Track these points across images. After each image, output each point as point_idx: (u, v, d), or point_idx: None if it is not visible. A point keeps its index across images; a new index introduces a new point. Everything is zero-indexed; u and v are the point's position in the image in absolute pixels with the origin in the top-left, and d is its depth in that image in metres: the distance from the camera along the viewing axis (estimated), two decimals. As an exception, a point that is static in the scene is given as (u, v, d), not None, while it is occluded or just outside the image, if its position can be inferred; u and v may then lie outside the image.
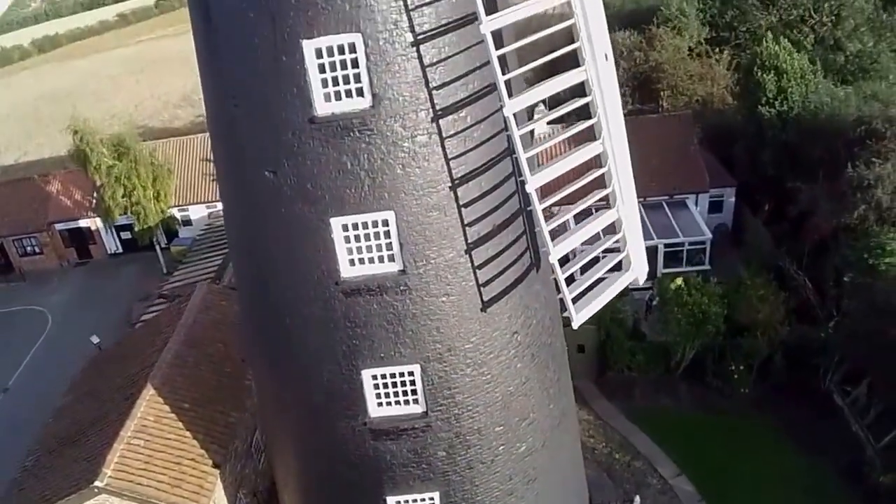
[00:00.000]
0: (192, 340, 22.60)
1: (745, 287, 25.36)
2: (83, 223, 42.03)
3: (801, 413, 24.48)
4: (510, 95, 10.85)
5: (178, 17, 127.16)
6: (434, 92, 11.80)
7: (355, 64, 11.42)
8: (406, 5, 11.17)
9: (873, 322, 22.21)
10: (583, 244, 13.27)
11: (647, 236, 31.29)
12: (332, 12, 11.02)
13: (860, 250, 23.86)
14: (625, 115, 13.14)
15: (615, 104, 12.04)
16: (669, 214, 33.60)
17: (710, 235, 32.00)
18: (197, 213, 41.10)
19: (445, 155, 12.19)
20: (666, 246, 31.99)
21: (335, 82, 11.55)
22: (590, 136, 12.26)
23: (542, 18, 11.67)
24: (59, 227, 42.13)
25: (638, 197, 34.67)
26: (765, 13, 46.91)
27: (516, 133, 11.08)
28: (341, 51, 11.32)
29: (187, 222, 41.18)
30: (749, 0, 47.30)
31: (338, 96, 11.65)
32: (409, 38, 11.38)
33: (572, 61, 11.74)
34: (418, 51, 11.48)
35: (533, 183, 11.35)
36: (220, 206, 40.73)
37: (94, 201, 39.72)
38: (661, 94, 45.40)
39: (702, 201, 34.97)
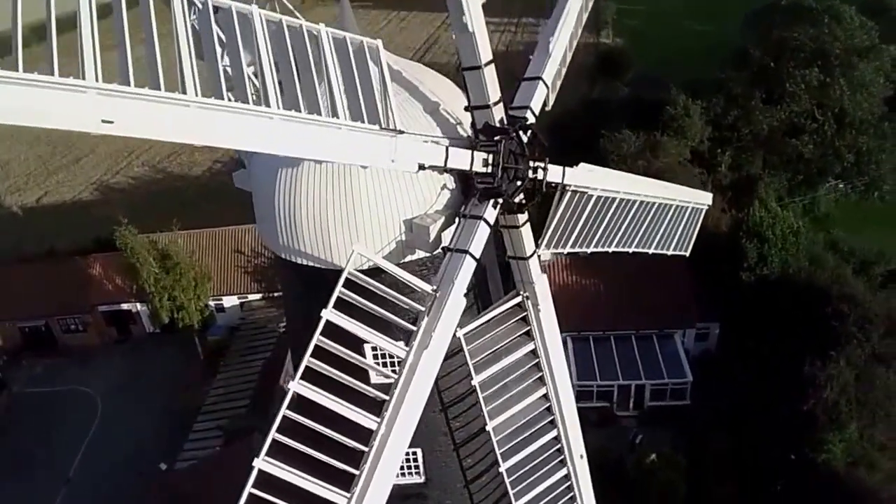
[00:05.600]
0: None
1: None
2: (125, 305, 49.19)
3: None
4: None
5: None
6: (467, 471, 19.09)
7: (416, 460, 18.70)
8: (454, 440, 18.39)
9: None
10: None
11: (636, 376, 39.10)
12: (402, 436, 18.21)
13: (802, 443, 31.21)
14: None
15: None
16: (658, 349, 40.71)
17: (690, 378, 39.11)
18: (230, 302, 48.52)
19: (473, 506, 19.52)
20: (652, 385, 39.25)
21: (400, 468, 18.80)
22: None
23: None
24: (101, 308, 49.30)
25: (631, 329, 42.23)
26: (768, 116, 52.96)
27: None
28: (407, 455, 18.59)
29: (221, 310, 48.56)
30: (752, 101, 53.35)
31: (402, 475, 18.94)
32: (451, 446, 18.63)
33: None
34: (457, 453, 18.74)
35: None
36: (251, 297, 48.28)
37: (135, 288, 46.68)
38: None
39: (689, 333, 42.08)
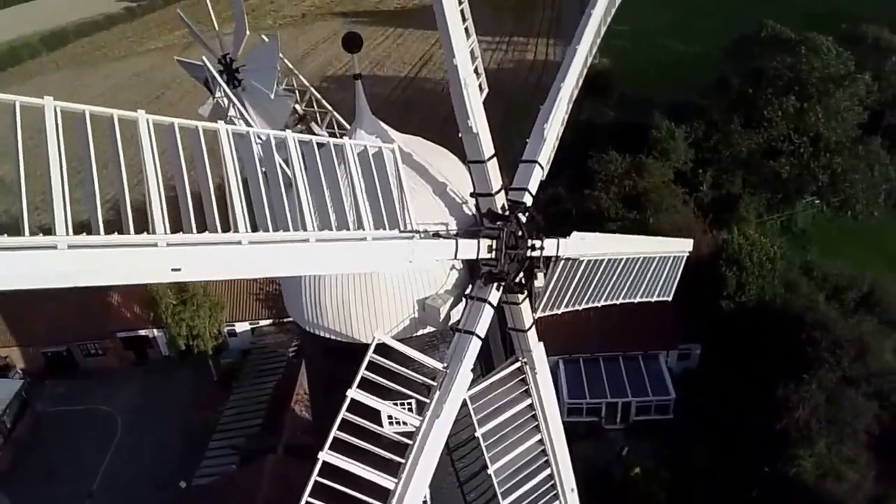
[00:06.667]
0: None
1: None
2: (142, 331, 50.32)
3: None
4: None
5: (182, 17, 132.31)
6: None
7: (424, 497, 19.96)
8: (458, 479, 19.67)
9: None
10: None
11: (623, 394, 40.40)
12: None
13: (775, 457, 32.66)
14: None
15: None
16: (643, 369, 42.10)
17: (673, 395, 40.52)
18: (241, 327, 49.74)
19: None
20: (638, 402, 40.66)
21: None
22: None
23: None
24: (120, 334, 50.46)
25: (618, 351, 43.65)
26: (747, 139, 54.39)
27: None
28: (416, 494, 19.81)
29: (233, 335, 49.82)
30: (731, 125, 54.78)
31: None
32: (456, 484, 19.90)
33: None
34: (461, 489, 20.02)
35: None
36: (261, 322, 49.42)
37: (153, 316, 47.77)
38: (648, 212, 52.73)
39: (672, 354, 43.48)
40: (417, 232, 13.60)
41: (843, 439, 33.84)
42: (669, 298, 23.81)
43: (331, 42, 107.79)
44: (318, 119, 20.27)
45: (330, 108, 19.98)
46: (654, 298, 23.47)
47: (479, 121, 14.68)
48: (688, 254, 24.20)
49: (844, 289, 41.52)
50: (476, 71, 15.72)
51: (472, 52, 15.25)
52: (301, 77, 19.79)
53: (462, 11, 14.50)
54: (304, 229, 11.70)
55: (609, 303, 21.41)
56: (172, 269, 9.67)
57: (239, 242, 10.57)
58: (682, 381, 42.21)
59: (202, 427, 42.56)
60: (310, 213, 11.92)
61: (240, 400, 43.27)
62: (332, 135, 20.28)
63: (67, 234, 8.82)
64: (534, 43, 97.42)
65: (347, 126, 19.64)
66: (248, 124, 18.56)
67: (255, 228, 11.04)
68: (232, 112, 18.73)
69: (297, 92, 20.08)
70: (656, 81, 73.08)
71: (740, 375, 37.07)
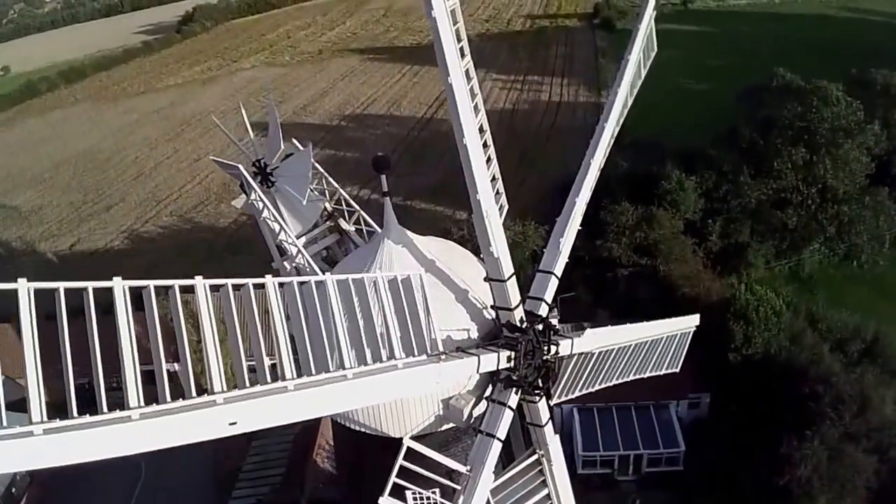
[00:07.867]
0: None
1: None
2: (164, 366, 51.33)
3: None
4: None
5: (201, 51, 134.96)
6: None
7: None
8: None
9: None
10: None
11: (635, 446, 41.08)
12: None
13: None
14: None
15: None
16: (654, 419, 42.78)
17: (683, 448, 41.14)
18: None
19: None
20: (649, 454, 41.32)
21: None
22: None
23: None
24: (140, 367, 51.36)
25: (630, 401, 44.17)
26: (756, 190, 55.12)
27: None
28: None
29: (252, 370, 50.59)
30: (740, 177, 55.54)
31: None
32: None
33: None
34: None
35: None
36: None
37: (173, 349, 48.80)
38: (658, 261, 53.52)
39: (682, 403, 44.15)
40: (443, 353, 14.63)
41: (843, 495, 34.40)
42: (678, 370, 24.89)
43: (348, 80, 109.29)
44: (346, 216, 21.34)
45: (358, 207, 21.07)
46: (663, 371, 24.55)
47: (500, 246, 15.76)
48: (694, 328, 25.18)
49: (848, 340, 42.06)
50: (497, 192, 16.87)
51: (493, 178, 16.35)
52: (332, 180, 20.93)
53: (472, 89, 15.10)
54: (343, 366, 12.72)
55: (621, 381, 22.46)
56: (230, 424, 10.70)
57: (286, 389, 11.58)
58: (692, 430, 42.76)
59: (227, 471, 43.20)
60: (347, 349, 12.96)
61: (261, 447, 43.99)
62: (360, 231, 21.41)
63: (139, 404, 9.84)
64: (548, 82, 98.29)
65: (375, 225, 20.77)
66: (281, 225, 19.71)
67: (299, 371, 12.07)
68: (266, 213, 19.86)
69: (326, 192, 21.18)
70: (671, 122, 74.03)
71: (747, 427, 37.72)
